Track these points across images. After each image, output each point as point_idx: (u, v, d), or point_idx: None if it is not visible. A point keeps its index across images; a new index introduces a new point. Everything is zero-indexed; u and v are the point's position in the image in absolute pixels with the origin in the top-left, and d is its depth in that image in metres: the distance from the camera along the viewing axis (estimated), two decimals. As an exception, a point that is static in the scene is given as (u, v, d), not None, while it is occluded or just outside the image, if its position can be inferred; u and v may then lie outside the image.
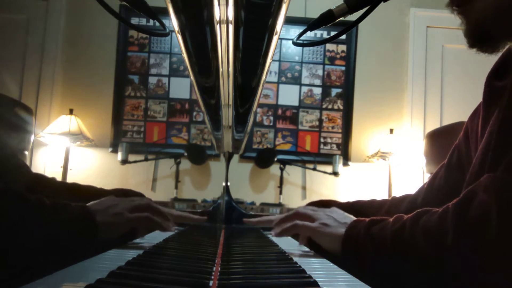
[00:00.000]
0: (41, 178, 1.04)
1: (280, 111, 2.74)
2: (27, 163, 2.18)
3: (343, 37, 2.75)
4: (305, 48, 2.75)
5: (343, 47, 2.78)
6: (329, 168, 2.56)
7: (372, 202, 1.05)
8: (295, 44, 0.67)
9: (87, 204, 0.72)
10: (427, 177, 2.32)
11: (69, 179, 2.47)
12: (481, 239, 0.46)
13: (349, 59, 2.77)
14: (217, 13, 0.43)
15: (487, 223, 0.45)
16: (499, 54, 0.65)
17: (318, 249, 0.76)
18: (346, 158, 2.71)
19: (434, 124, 2.67)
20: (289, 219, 0.83)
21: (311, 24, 0.64)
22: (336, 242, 0.69)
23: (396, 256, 0.57)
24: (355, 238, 0.66)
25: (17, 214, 0.56)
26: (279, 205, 2.47)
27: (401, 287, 0.57)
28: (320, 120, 2.75)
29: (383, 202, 1.02)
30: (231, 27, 0.45)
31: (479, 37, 0.60)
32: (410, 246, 0.54)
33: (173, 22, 0.47)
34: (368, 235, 0.63)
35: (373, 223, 0.64)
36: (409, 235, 0.55)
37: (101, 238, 0.68)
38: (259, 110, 2.72)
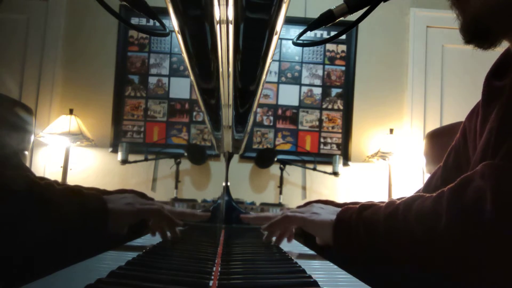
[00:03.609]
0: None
1: (280, 111, 2.74)
2: (27, 163, 2.18)
3: (343, 37, 2.75)
4: (305, 48, 2.75)
5: (343, 47, 2.78)
6: (329, 168, 2.56)
7: None
8: (295, 44, 0.67)
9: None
10: (427, 177, 2.32)
11: (69, 179, 2.47)
12: (474, 224, 0.46)
13: (349, 59, 2.77)
14: (217, 13, 0.43)
15: (481, 209, 0.45)
16: (497, 52, 0.65)
17: (309, 243, 0.76)
18: (346, 158, 2.71)
19: (434, 124, 2.67)
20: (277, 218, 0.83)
21: (311, 24, 0.64)
22: (327, 228, 0.69)
23: (388, 239, 0.57)
24: (346, 223, 0.65)
25: (29, 197, 0.56)
26: (279, 205, 2.47)
27: (393, 271, 0.57)
28: (320, 120, 2.75)
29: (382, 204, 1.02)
30: (231, 27, 0.45)
31: (475, 32, 0.60)
32: (403, 229, 0.54)
33: (173, 22, 0.47)
34: (360, 219, 0.63)
35: (364, 208, 0.64)
36: (402, 218, 0.55)
37: (111, 227, 0.68)
38: (259, 110, 2.72)
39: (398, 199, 0.90)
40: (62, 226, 0.59)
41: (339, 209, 0.72)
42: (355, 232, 0.62)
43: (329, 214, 0.71)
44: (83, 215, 0.63)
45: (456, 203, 0.48)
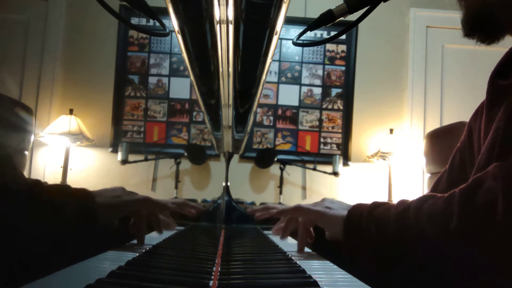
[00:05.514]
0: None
1: (280, 111, 2.74)
2: (27, 163, 2.18)
3: (343, 37, 2.75)
4: (305, 48, 2.75)
5: (343, 47, 2.78)
6: (329, 168, 2.56)
7: None
8: (295, 44, 0.67)
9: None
10: (427, 177, 2.32)
11: (69, 179, 2.47)
12: (485, 226, 0.45)
13: (349, 59, 2.77)
14: (217, 13, 0.43)
15: (493, 210, 0.45)
16: (498, 51, 0.65)
17: (316, 248, 0.76)
18: (346, 158, 2.71)
19: (434, 124, 2.67)
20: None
21: (311, 24, 0.64)
22: (338, 223, 0.69)
23: (398, 238, 0.57)
24: (357, 219, 0.65)
25: (16, 197, 0.56)
26: (279, 205, 2.46)
27: (401, 270, 0.57)
28: (320, 120, 2.75)
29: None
30: (231, 27, 0.45)
31: (478, 23, 0.60)
32: (413, 228, 0.54)
33: (173, 22, 0.47)
34: (370, 216, 0.62)
35: (376, 206, 0.64)
36: (413, 218, 0.54)
37: (101, 220, 0.68)
38: (259, 110, 2.72)
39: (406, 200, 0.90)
40: (52, 223, 0.59)
41: (351, 205, 0.72)
42: (365, 229, 0.62)
43: (341, 209, 0.71)
44: (72, 211, 0.63)
45: (467, 204, 0.48)
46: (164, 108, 2.71)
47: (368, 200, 0.68)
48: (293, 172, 2.66)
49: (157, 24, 0.61)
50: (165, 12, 0.45)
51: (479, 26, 0.60)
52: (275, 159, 2.59)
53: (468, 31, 0.62)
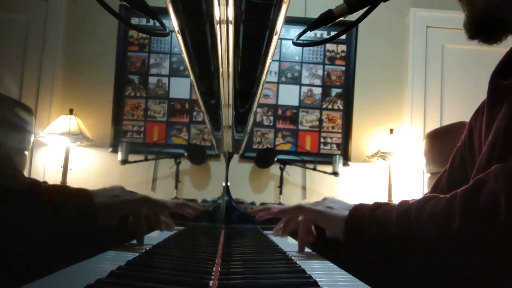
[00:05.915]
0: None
1: (280, 111, 2.74)
2: (27, 163, 2.18)
3: (343, 37, 2.75)
4: (305, 48, 2.75)
5: (343, 47, 2.78)
6: (329, 168, 2.56)
7: None
8: (295, 44, 0.67)
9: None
10: (427, 177, 2.32)
11: (69, 179, 2.47)
12: (487, 227, 0.45)
13: (349, 59, 2.77)
14: (217, 13, 0.43)
15: (495, 212, 0.45)
16: (498, 51, 0.65)
17: (315, 246, 0.76)
18: (346, 158, 2.71)
19: (434, 124, 2.67)
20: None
21: (311, 24, 0.64)
22: (339, 224, 0.69)
23: (399, 239, 0.56)
24: (359, 220, 0.65)
25: (15, 197, 0.56)
26: (279, 205, 2.47)
27: (402, 270, 0.57)
28: (320, 120, 2.75)
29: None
30: (231, 27, 0.45)
31: (483, 25, 0.60)
32: (415, 229, 0.54)
33: (173, 22, 0.47)
34: (372, 217, 0.62)
35: (377, 206, 0.64)
36: (415, 219, 0.54)
37: (100, 220, 0.68)
38: (259, 110, 2.72)
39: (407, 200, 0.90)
40: (51, 223, 0.59)
41: (352, 205, 0.72)
42: (366, 230, 0.62)
43: (342, 209, 0.71)
44: (71, 211, 0.63)
45: (469, 205, 0.48)
46: (164, 108, 2.71)
47: (368, 200, 0.68)
48: (293, 172, 2.66)
49: (157, 24, 0.61)
50: (165, 12, 0.45)
51: (484, 28, 0.60)
52: (275, 159, 2.59)
53: (473, 33, 0.62)
